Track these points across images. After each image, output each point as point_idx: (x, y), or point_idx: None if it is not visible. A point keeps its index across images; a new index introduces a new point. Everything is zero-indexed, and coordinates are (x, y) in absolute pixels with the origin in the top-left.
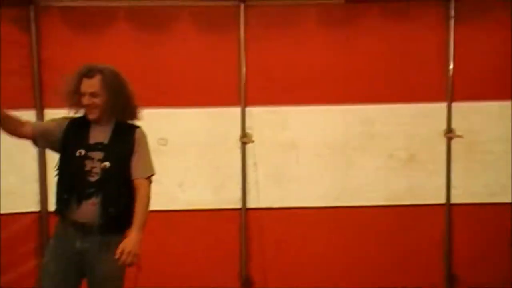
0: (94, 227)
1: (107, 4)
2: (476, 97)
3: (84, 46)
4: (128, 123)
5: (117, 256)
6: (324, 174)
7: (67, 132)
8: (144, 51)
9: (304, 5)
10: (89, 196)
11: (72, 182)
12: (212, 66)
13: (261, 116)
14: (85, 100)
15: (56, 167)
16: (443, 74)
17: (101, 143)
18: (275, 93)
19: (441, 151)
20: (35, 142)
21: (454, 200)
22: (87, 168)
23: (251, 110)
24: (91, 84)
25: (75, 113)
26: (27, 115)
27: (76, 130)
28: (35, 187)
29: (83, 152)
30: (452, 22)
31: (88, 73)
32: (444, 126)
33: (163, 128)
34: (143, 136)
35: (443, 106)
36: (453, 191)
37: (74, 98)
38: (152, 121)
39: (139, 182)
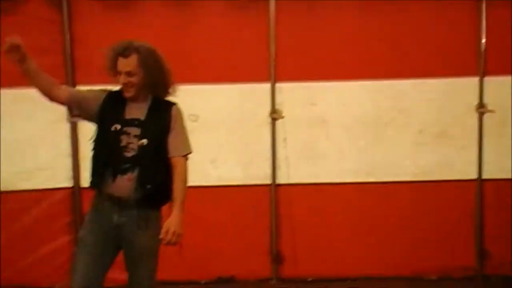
0: (130, 201)
1: None
2: (508, 72)
3: (115, 22)
4: (165, 100)
5: (161, 236)
6: (353, 149)
7: (104, 105)
8: (175, 27)
9: None
10: (125, 171)
11: (107, 157)
12: (242, 41)
13: (291, 92)
14: (122, 79)
15: (92, 140)
16: (475, 49)
17: (137, 119)
18: (305, 68)
19: (473, 126)
20: (70, 109)
21: (485, 175)
22: (123, 143)
23: (281, 86)
24: (127, 64)
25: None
26: None
27: (113, 104)
28: (68, 162)
29: (118, 127)
30: None
31: (124, 52)
32: (475, 101)
33: (193, 104)
34: (180, 113)
35: (475, 80)
36: (484, 167)
37: (111, 74)
38: (183, 97)
39: (176, 160)
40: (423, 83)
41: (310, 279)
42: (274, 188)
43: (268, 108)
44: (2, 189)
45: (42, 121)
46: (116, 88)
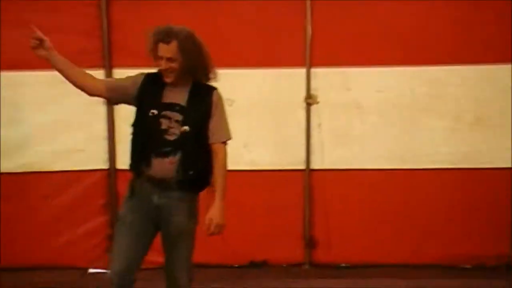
0: (171, 183)
1: None
2: None
3: (153, 7)
4: (205, 84)
5: (205, 228)
6: (388, 135)
7: (142, 89)
8: (212, 11)
9: None
10: (166, 154)
11: (148, 140)
12: (278, 26)
13: (326, 77)
14: (163, 64)
15: (132, 124)
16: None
17: (178, 104)
18: (340, 54)
19: (509, 114)
20: (108, 99)
21: None
22: (163, 126)
23: (316, 71)
24: (168, 50)
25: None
26: (96, 75)
27: (151, 87)
28: (103, 144)
29: (156, 112)
30: None
31: (165, 38)
32: None
33: (229, 89)
34: (220, 98)
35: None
36: None
37: (152, 58)
38: (219, 82)
39: (216, 146)
40: (460, 70)
41: (343, 264)
42: (308, 173)
43: (303, 93)
44: (39, 169)
45: (78, 103)
46: (153, 70)
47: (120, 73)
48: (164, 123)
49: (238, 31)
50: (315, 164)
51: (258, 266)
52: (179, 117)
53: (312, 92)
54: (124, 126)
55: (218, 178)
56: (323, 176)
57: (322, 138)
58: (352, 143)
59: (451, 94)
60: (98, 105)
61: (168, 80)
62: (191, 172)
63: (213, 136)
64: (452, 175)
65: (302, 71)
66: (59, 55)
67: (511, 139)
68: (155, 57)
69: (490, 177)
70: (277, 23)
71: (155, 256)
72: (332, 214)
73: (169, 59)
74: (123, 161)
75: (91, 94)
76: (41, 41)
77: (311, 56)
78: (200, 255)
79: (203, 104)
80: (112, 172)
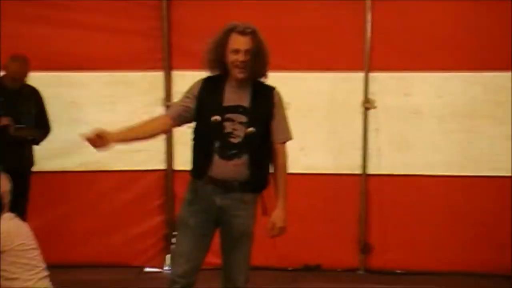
0: (234, 184)
1: None
2: None
3: (213, 9)
4: (264, 85)
5: (268, 232)
6: (447, 142)
7: (200, 96)
8: (272, 14)
9: None
10: (231, 157)
11: (211, 144)
12: (338, 30)
13: (384, 82)
14: (240, 56)
15: (194, 130)
16: None
17: (241, 106)
18: (399, 58)
19: None
20: (179, 125)
21: None
22: (227, 130)
23: (375, 76)
24: (247, 42)
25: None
26: (155, 76)
27: (210, 92)
28: (161, 145)
29: (219, 118)
30: None
31: (243, 30)
32: None
33: (286, 92)
34: (281, 98)
35: None
36: None
37: (217, 54)
38: (276, 84)
39: (278, 147)
40: None
41: (399, 271)
42: (365, 178)
43: (360, 98)
44: (97, 169)
45: (138, 103)
46: (208, 74)
47: (180, 75)
48: (228, 126)
49: (298, 34)
50: (372, 169)
51: (312, 270)
52: (243, 118)
53: (370, 96)
54: (181, 129)
55: (279, 179)
56: (379, 181)
57: (379, 143)
58: (410, 148)
59: None
60: (156, 105)
61: (241, 75)
62: (255, 172)
63: (275, 136)
64: None
65: (360, 75)
66: (119, 130)
67: None
68: (225, 53)
69: None
70: (336, 27)
71: (212, 257)
72: (388, 220)
73: (247, 51)
74: (181, 161)
75: (166, 133)
76: (99, 137)
77: (370, 60)
78: (254, 257)
79: (265, 105)
80: (169, 172)
